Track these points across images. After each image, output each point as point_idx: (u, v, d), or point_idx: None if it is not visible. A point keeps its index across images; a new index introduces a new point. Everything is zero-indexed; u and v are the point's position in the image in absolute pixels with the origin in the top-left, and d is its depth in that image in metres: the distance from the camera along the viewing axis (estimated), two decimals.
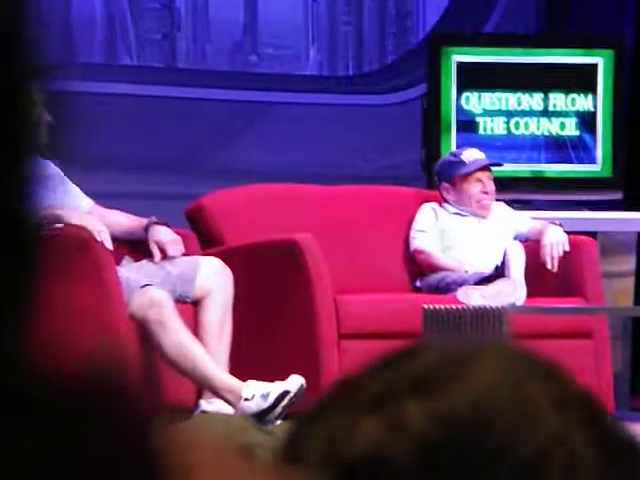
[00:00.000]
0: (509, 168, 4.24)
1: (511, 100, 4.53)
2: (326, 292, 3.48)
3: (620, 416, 3.53)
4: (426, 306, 3.18)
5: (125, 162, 4.59)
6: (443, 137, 4.45)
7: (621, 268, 4.52)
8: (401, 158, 4.79)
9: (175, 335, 3.15)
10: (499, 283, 3.60)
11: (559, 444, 0.49)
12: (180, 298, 3.28)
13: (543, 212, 4.21)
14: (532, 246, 3.79)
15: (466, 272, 3.74)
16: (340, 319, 3.50)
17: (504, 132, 4.53)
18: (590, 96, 4.54)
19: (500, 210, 3.96)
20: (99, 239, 3.17)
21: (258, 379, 3.15)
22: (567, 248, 3.79)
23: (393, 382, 0.49)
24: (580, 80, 4.54)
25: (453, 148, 4.34)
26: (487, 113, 4.51)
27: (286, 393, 3.09)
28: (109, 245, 3.20)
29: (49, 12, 4.64)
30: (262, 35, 4.87)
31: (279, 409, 3.08)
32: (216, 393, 3.17)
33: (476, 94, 4.49)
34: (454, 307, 3.24)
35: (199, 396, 3.25)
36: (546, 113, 4.55)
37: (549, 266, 3.76)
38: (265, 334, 3.53)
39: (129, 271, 3.28)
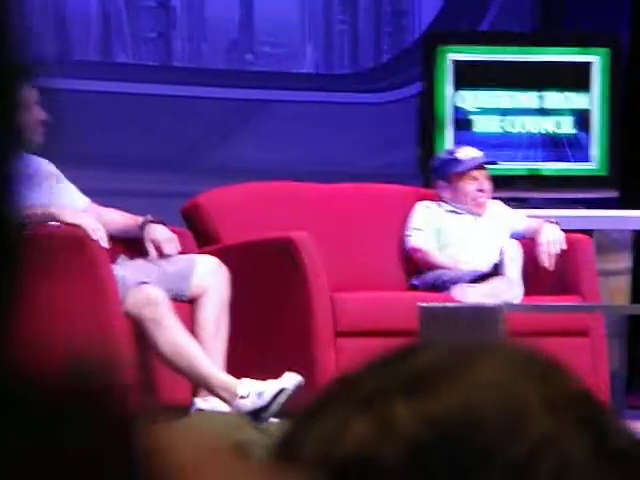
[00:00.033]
0: (506, 166, 4.24)
1: (506, 98, 4.53)
2: (322, 290, 3.48)
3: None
4: (422, 304, 3.18)
5: (121, 160, 4.59)
6: (438, 135, 4.46)
7: (617, 266, 4.52)
8: (397, 156, 4.79)
9: (171, 333, 3.15)
10: (495, 281, 3.60)
11: (550, 445, 0.48)
12: (176, 296, 3.28)
13: (539, 210, 4.21)
14: (528, 244, 3.80)
15: (462, 270, 3.74)
16: (336, 317, 3.50)
17: (499, 130, 4.53)
18: (586, 94, 4.54)
19: (496, 208, 3.96)
20: (95, 237, 3.17)
21: (254, 377, 3.15)
22: (564, 246, 3.79)
23: (385, 382, 0.49)
24: (576, 78, 4.54)
25: (448, 146, 4.34)
26: (482, 111, 4.51)
27: (282, 391, 3.08)
28: (105, 243, 3.20)
29: (42, 10, 4.63)
30: (258, 33, 4.87)
31: (275, 407, 3.08)
32: (212, 391, 3.16)
33: (471, 92, 4.49)
34: (450, 305, 3.24)
35: (195, 394, 3.25)
36: (542, 111, 4.56)
37: (545, 264, 3.77)
38: (261, 332, 3.53)
39: (125, 269, 3.27)
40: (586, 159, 4.58)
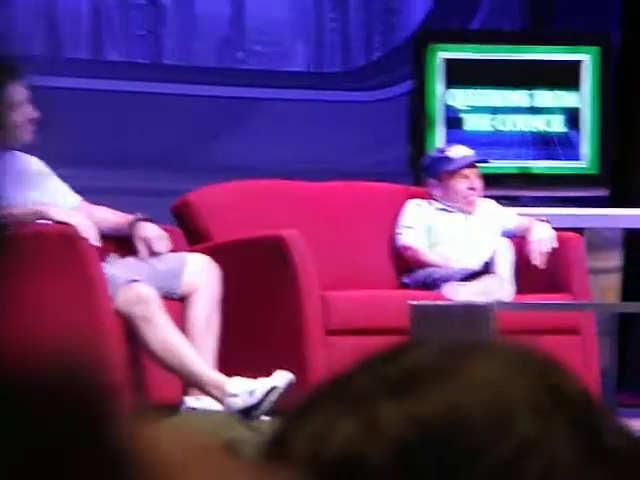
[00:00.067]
0: (496, 165, 4.24)
1: (497, 97, 4.54)
2: (313, 288, 3.48)
3: None
4: (413, 302, 3.18)
5: (111, 158, 4.58)
6: (429, 133, 4.46)
7: (607, 264, 4.53)
8: (387, 154, 4.79)
9: (161, 331, 3.15)
10: (486, 279, 3.61)
11: (537, 445, 0.48)
12: (167, 294, 3.27)
13: (530, 208, 4.22)
14: (519, 242, 3.80)
15: (453, 268, 3.74)
16: (327, 315, 3.50)
17: (490, 129, 4.53)
18: (576, 93, 4.55)
19: (487, 206, 3.97)
20: (85, 235, 3.16)
21: (245, 375, 3.15)
22: (554, 244, 3.79)
23: (374, 382, 0.49)
24: (566, 77, 4.55)
25: (439, 145, 4.34)
26: (473, 110, 4.52)
27: (273, 389, 3.08)
28: (96, 242, 3.19)
29: (33, 7, 4.62)
30: (249, 31, 4.86)
31: (266, 405, 3.08)
32: (202, 389, 3.16)
33: (462, 91, 4.50)
34: (441, 303, 3.24)
35: (185, 392, 3.25)
36: (532, 110, 4.56)
37: (536, 262, 3.77)
38: (252, 330, 3.52)
39: (115, 267, 3.27)
40: (576, 157, 4.59)
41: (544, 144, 4.57)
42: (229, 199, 3.83)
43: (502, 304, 3.40)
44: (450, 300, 3.41)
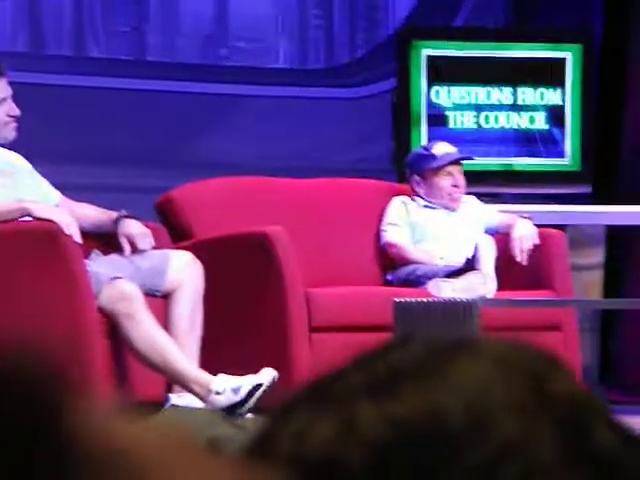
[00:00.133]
0: (479, 162, 4.25)
1: (480, 94, 4.55)
2: (297, 285, 3.48)
3: None
4: (397, 299, 3.19)
5: (93, 155, 4.56)
6: (413, 131, 4.46)
7: (590, 261, 4.55)
8: (371, 151, 4.79)
9: (145, 328, 3.14)
10: (469, 276, 3.62)
11: (517, 447, 0.47)
12: (150, 292, 3.27)
13: (512, 205, 4.23)
14: (502, 239, 3.81)
15: (437, 265, 3.75)
16: (311, 312, 3.50)
17: (474, 126, 4.54)
18: (559, 90, 4.56)
19: (470, 203, 3.98)
20: (68, 232, 3.15)
21: (229, 372, 3.15)
22: (537, 241, 3.81)
23: (355, 382, 0.49)
24: (549, 74, 4.56)
25: (423, 142, 4.35)
26: (457, 107, 4.53)
27: (258, 386, 3.08)
28: (78, 238, 3.18)
29: (15, 3, 4.60)
30: (232, 28, 4.85)
31: (251, 402, 3.08)
32: (186, 387, 3.16)
33: (446, 88, 4.50)
34: (425, 300, 3.25)
35: (169, 390, 3.24)
36: (515, 107, 4.57)
37: (519, 259, 3.78)
38: (236, 327, 3.52)
39: (98, 265, 3.26)
40: (559, 154, 4.60)
41: (527, 141, 4.59)
42: (212, 196, 3.83)
43: (485, 301, 3.41)
44: (434, 297, 3.42)
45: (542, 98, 4.57)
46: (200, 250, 3.42)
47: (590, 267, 4.54)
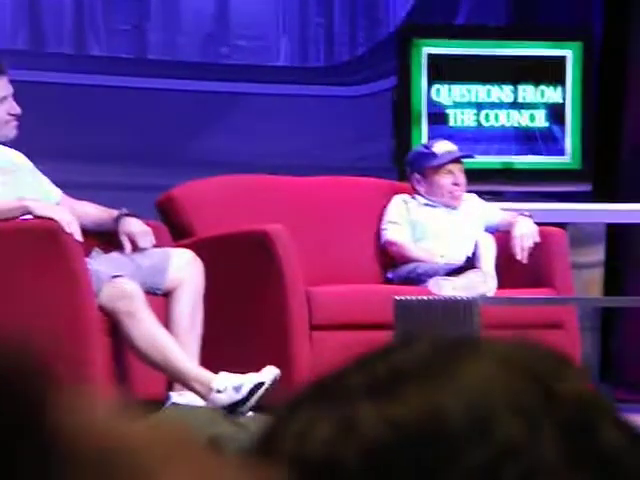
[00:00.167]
0: (479, 160, 4.25)
1: (481, 92, 4.55)
2: (297, 283, 3.48)
3: None
4: (397, 297, 3.19)
5: (94, 153, 4.56)
6: (413, 129, 4.46)
7: (590, 259, 4.55)
8: (371, 149, 4.79)
9: (145, 327, 3.14)
10: (470, 274, 3.62)
11: (518, 449, 0.47)
12: (150, 290, 3.27)
13: (513, 203, 4.23)
14: (502, 237, 3.81)
15: (437, 263, 3.75)
16: (311, 310, 3.50)
17: (474, 124, 4.54)
18: (559, 88, 4.56)
19: (471, 201, 3.98)
20: (68, 230, 3.15)
21: (229, 371, 3.15)
22: (537, 239, 3.81)
23: (358, 382, 0.49)
24: (549, 72, 4.56)
25: (423, 140, 4.35)
26: (457, 105, 4.53)
27: (260, 385, 3.08)
28: (79, 236, 3.18)
29: (16, 1, 4.60)
30: (233, 26, 4.85)
31: (253, 401, 3.08)
32: (187, 385, 3.16)
33: (446, 86, 4.50)
34: (425, 298, 3.25)
35: (170, 388, 3.24)
36: (516, 105, 4.57)
37: (519, 257, 3.78)
38: (236, 326, 3.52)
39: (99, 263, 3.26)
40: (560, 152, 4.60)
41: (527, 139, 4.59)
42: (213, 194, 3.83)
43: (486, 299, 3.41)
44: (434, 295, 3.42)
45: (542, 96, 4.57)
46: (201, 248, 3.42)
47: (590, 265, 4.54)
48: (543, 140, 4.59)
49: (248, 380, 3.10)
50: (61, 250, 3.15)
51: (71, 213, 3.23)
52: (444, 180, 3.90)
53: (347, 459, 0.47)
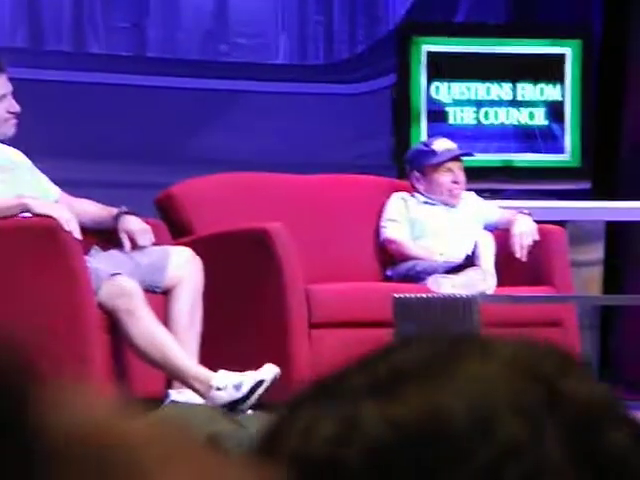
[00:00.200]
0: (478, 158, 4.25)
1: (480, 90, 4.54)
2: (297, 281, 3.48)
3: None
4: (396, 295, 3.19)
5: (93, 151, 4.56)
6: (413, 127, 4.46)
7: (589, 257, 4.55)
8: (371, 147, 4.79)
9: (144, 325, 3.14)
10: (469, 272, 3.62)
11: (521, 449, 0.47)
12: (150, 288, 3.27)
13: (512, 201, 4.23)
14: (502, 235, 3.81)
15: (436, 261, 3.75)
16: (311, 308, 3.50)
17: (473, 122, 4.54)
18: (558, 86, 4.56)
19: (470, 199, 3.98)
20: (67, 228, 3.15)
21: (228, 369, 3.14)
22: (537, 237, 3.81)
23: (361, 381, 0.49)
24: (548, 70, 4.56)
25: (423, 138, 4.35)
26: (456, 103, 4.52)
27: (261, 382, 3.08)
28: (78, 234, 3.18)
29: None
30: (232, 24, 4.85)
31: (253, 399, 3.07)
32: (186, 383, 3.16)
33: (446, 84, 4.50)
34: (424, 296, 3.25)
35: (168, 386, 3.24)
36: (515, 103, 4.57)
37: (518, 255, 3.78)
38: (235, 324, 3.52)
39: (98, 261, 3.26)
40: (559, 150, 4.60)
41: (526, 137, 4.59)
42: (213, 192, 3.82)
43: (485, 297, 3.41)
44: (433, 293, 3.42)
45: (542, 94, 4.57)
46: (200, 246, 3.42)
47: (590, 263, 4.54)
48: (542, 138, 4.58)
49: (248, 378, 3.09)
50: (60, 248, 3.15)
51: (70, 211, 3.22)
52: (443, 178, 3.90)
53: (349, 458, 0.47)
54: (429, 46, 4.47)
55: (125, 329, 3.15)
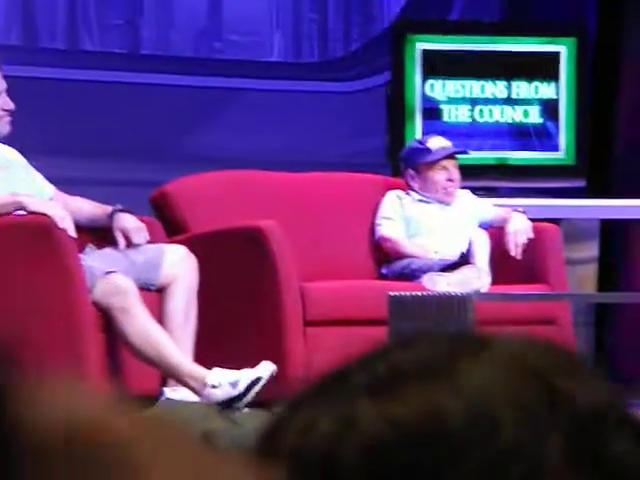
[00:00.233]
0: (473, 156, 4.25)
1: (475, 88, 4.54)
2: (291, 279, 3.48)
3: None
4: (392, 293, 3.19)
5: (88, 148, 4.56)
6: (407, 124, 4.46)
7: (584, 255, 4.55)
8: (366, 145, 4.79)
9: (139, 322, 3.14)
10: (464, 270, 3.62)
11: (520, 450, 0.47)
12: (144, 286, 3.26)
13: (507, 199, 4.23)
14: (496, 233, 3.81)
15: (431, 259, 3.75)
16: (305, 306, 3.50)
17: (468, 120, 4.54)
18: (553, 84, 4.57)
19: (465, 197, 3.98)
20: (62, 226, 3.15)
21: (223, 366, 3.14)
22: (531, 235, 3.81)
23: (360, 380, 0.49)
24: (543, 68, 4.56)
25: (417, 136, 4.35)
26: (451, 101, 4.53)
27: (257, 380, 3.08)
28: (72, 232, 3.18)
29: None
30: (226, 21, 4.85)
31: (249, 396, 3.07)
32: (180, 381, 3.16)
33: (440, 82, 4.50)
34: (419, 294, 3.25)
35: (163, 384, 3.24)
36: (509, 101, 4.57)
37: (513, 253, 3.79)
38: (230, 322, 3.52)
39: (93, 259, 3.25)
40: (554, 148, 4.61)
41: (521, 135, 4.59)
42: (207, 190, 3.82)
43: (480, 295, 3.41)
44: (428, 291, 3.42)
45: (536, 92, 4.57)
46: (195, 244, 3.41)
47: (584, 261, 4.54)
48: (537, 136, 4.59)
49: (245, 376, 3.09)
50: (55, 246, 3.14)
51: (65, 209, 3.22)
52: (438, 176, 3.90)
53: (346, 456, 0.47)
54: (424, 44, 4.47)
55: (120, 327, 3.15)
